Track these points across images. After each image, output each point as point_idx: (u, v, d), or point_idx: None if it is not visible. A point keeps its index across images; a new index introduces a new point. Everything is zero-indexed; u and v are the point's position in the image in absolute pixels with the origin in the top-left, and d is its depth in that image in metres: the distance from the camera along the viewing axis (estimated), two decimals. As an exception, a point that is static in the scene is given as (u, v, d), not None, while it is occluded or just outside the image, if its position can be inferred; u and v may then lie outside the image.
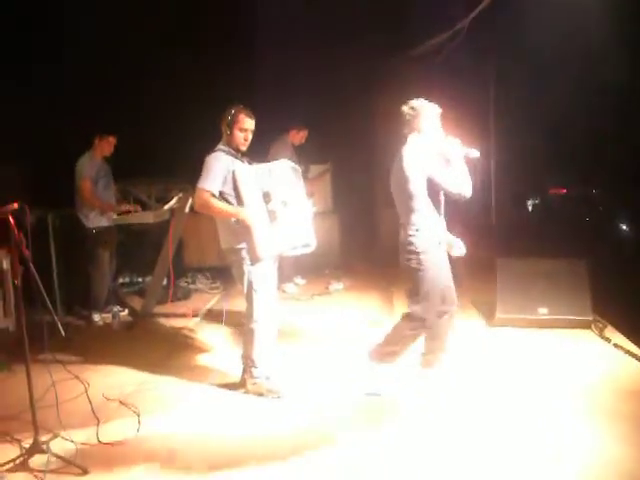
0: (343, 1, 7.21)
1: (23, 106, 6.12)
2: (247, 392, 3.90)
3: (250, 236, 3.65)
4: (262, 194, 3.74)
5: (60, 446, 3.22)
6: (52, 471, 3.01)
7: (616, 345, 4.50)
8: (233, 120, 3.81)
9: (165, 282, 5.95)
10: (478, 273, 6.22)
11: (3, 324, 5.26)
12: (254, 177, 3.76)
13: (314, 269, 6.96)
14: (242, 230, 3.67)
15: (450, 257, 3.79)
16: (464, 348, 4.50)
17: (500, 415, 3.49)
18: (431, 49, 7.28)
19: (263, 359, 3.86)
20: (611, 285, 5.25)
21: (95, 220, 5.51)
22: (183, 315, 5.74)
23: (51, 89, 6.63)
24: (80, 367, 4.24)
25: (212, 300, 6.36)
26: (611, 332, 4.77)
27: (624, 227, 7.18)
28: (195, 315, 5.73)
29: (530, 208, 8.88)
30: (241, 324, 4.06)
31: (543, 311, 4.90)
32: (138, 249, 6.49)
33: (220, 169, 3.73)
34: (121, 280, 6.63)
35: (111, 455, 3.19)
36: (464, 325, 5.01)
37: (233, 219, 3.71)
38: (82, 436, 3.35)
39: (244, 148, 3.87)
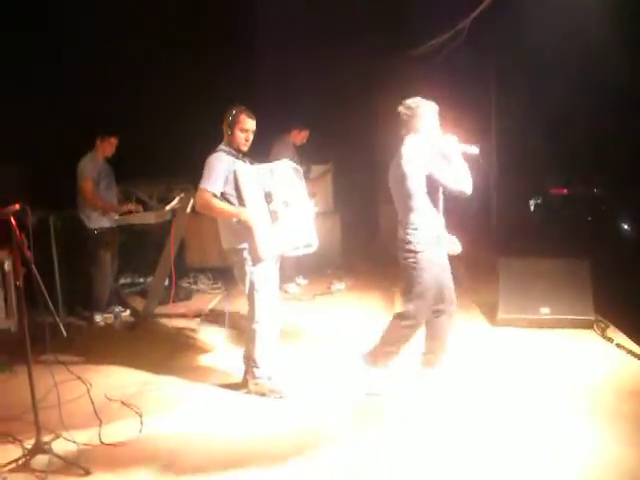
0: (343, 1, 7.21)
1: (23, 106, 6.11)
2: (249, 392, 3.90)
3: (252, 236, 3.65)
4: (264, 194, 3.75)
5: (62, 447, 3.23)
6: (54, 472, 3.02)
7: (618, 345, 4.50)
8: (234, 120, 3.81)
9: (167, 283, 5.94)
10: (480, 273, 6.23)
11: (5, 325, 5.26)
12: (255, 177, 3.76)
13: (316, 269, 6.96)
14: (244, 230, 3.67)
15: (450, 257, 3.79)
16: (466, 348, 4.50)
17: (501, 415, 3.49)
18: (431, 49, 7.28)
19: (265, 359, 3.86)
20: (613, 285, 5.25)
21: (97, 221, 5.51)
22: (185, 316, 5.74)
23: (51, 89, 6.63)
24: (82, 368, 4.24)
25: (214, 301, 6.36)
26: (613, 332, 4.77)
27: (626, 227, 7.17)
28: (197, 316, 5.74)
29: (532, 208, 8.87)
30: (243, 324, 4.06)
31: (545, 311, 4.91)
32: (140, 250, 6.48)
33: (222, 169, 3.73)
34: (123, 281, 6.62)
35: (113, 456, 3.19)
36: (466, 325, 5.01)
37: (235, 219, 3.71)
38: (84, 437, 3.35)
39: (245, 148, 3.87)
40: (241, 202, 3.72)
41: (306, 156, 6.44)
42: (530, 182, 8.78)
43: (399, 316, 3.71)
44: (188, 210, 5.30)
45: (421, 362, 3.93)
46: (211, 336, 5.12)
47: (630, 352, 4.36)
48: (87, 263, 5.60)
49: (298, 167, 4.02)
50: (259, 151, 4.31)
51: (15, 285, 3.14)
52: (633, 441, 3.15)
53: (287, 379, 4.01)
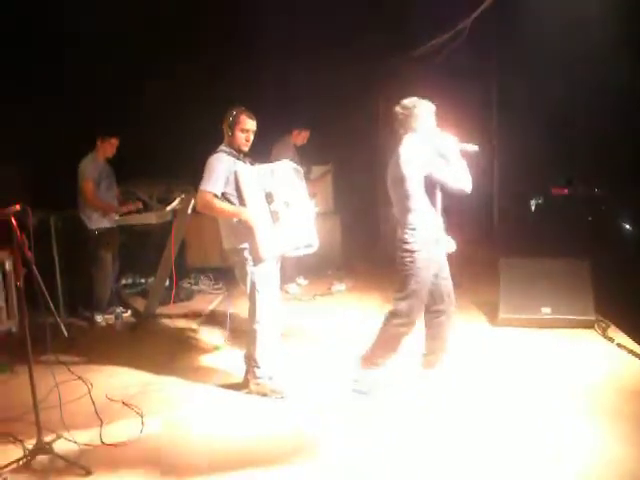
0: (343, 1, 7.21)
1: (23, 106, 6.11)
2: (250, 392, 3.90)
3: (253, 237, 3.66)
4: (264, 195, 3.75)
5: (63, 447, 3.23)
6: (55, 472, 3.02)
7: (619, 345, 4.50)
8: (234, 121, 3.81)
9: (168, 283, 5.95)
10: (481, 273, 6.23)
11: (6, 326, 5.25)
12: (256, 178, 3.76)
13: (316, 270, 6.96)
14: (245, 231, 3.68)
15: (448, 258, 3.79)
16: (467, 348, 4.51)
17: (502, 415, 3.49)
18: (432, 49, 7.28)
19: (266, 359, 3.86)
20: (614, 285, 5.25)
21: (97, 221, 5.52)
22: (186, 316, 5.75)
23: (51, 89, 6.63)
24: (83, 368, 4.24)
25: (215, 301, 6.36)
26: (614, 332, 4.77)
27: (627, 226, 7.17)
28: (198, 316, 5.74)
29: (532, 208, 8.87)
30: (244, 325, 4.05)
31: (546, 311, 4.91)
32: (141, 250, 6.48)
33: (222, 170, 3.73)
34: (124, 281, 6.63)
35: (114, 456, 3.19)
36: (467, 325, 5.02)
37: (235, 219, 3.71)
38: (85, 437, 3.35)
39: (246, 149, 3.87)
40: (242, 202, 3.72)
41: (306, 157, 6.44)
42: (531, 182, 8.78)
43: (391, 315, 3.70)
44: (189, 211, 5.30)
45: (422, 363, 3.93)
46: (212, 336, 5.12)
47: (631, 352, 4.36)
48: (88, 264, 5.61)
49: (299, 168, 4.02)
50: (260, 151, 4.31)
51: (16, 286, 3.13)
52: (634, 441, 3.15)
53: (288, 379, 4.01)
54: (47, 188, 6.02)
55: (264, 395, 3.84)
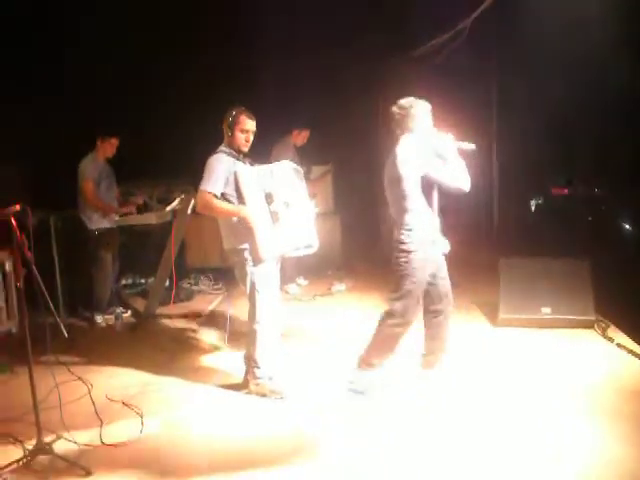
0: (343, 1, 7.21)
1: (23, 106, 6.11)
2: (250, 393, 3.90)
3: (253, 237, 3.66)
4: (264, 195, 3.75)
5: (63, 447, 3.23)
6: (55, 472, 3.02)
7: (619, 345, 4.50)
8: (234, 121, 3.81)
9: (168, 283, 5.95)
10: (480, 273, 6.23)
11: (6, 326, 5.25)
12: (256, 178, 3.77)
13: (316, 270, 6.96)
14: (245, 231, 3.68)
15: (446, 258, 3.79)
16: (467, 348, 4.51)
17: (501, 415, 3.49)
18: (432, 49, 7.28)
19: (266, 360, 3.86)
20: (614, 285, 5.24)
21: (97, 222, 5.52)
22: (186, 316, 5.75)
23: (51, 89, 6.63)
24: (83, 368, 4.25)
25: (215, 301, 6.36)
26: (614, 332, 4.77)
27: (627, 226, 7.17)
28: (198, 316, 5.74)
29: (532, 208, 8.87)
30: (243, 325, 4.06)
31: (546, 311, 4.91)
32: (141, 250, 6.49)
33: (222, 170, 3.73)
34: (124, 281, 6.63)
35: (114, 456, 3.19)
36: (467, 325, 5.03)
37: (235, 218, 3.72)
38: (85, 437, 3.35)
39: (245, 149, 3.87)
40: (241, 203, 3.72)
41: (306, 157, 6.44)
42: (531, 182, 8.78)
43: (387, 315, 3.70)
44: (189, 211, 5.30)
45: (421, 363, 3.93)
46: (212, 337, 5.12)
47: (631, 352, 4.35)
48: (88, 264, 5.61)
49: (299, 168, 4.02)
50: (260, 152, 4.31)
51: (16, 286, 3.13)
52: (634, 441, 3.15)
53: (288, 380, 4.01)
54: (47, 188, 6.03)
55: (264, 395, 3.84)
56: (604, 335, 4.72)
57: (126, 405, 3.78)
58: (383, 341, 3.73)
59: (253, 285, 3.77)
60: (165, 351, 4.79)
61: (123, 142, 5.69)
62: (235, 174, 3.71)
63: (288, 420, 3.55)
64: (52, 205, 5.83)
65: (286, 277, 5.90)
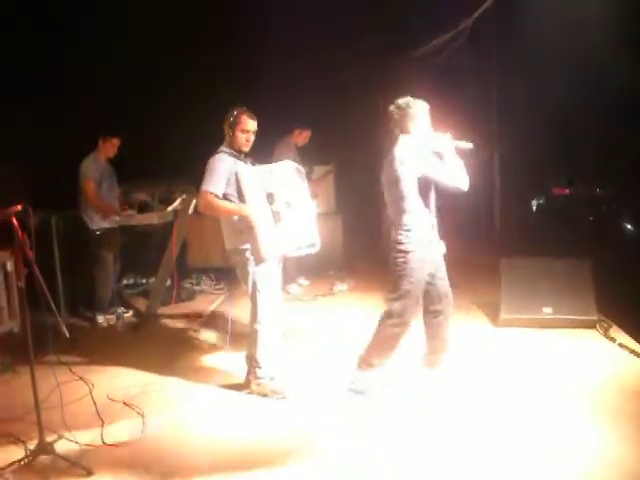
0: (343, 1, 7.21)
1: (23, 106, 6.11)
2: (251, 393, 3.90)
3: (254, 236, 3.65)
4: (266, 195, 3.74)
5: (65, 447, 3.23)
6: (57, 472, 3.02)
7: (621, 345, 4.49)
8: (235, 122, 3.81)
9: (169, 283, 5.95)
10: (482, 274, 6.22)
11: (8, 326, 5.25)
12: (257, 178, 3.76)
13: (318, 270, 6.95)
14: (246, 230, 3.67)
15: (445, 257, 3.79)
16: (469, 348, 4.50)
17: (503, 415, 3.49)
18: (433, 49, 7.28)
19: (267, 360, 3.86)
20: (615, 285, 5.24)
21: (99, 222, 5.52)
22: (187, 316, 5.74)
23: (51, 89, 6.62)
24: (84, 368, 4.24)
25: (216, 301, 6.36)
26: (616, 332, 4.76)
27: (628, 226, 7.18)
28: (199, 316, 5.74)
29: (534, 208, 8.87)
30: (245, 325, 4.06)
31: (547, 311, 4.90)
32: (142, 250, 6.48)
33: (223, 170, 3.73)
34: (125, 281, 6.63)
35: (116, 456, 3.19)
36: (469, 326, 5.02)
37: (236, 217, 3.71)
38: (86, 437, 3.35)
39: (246, 149, 3.87)
40: (243, 203, 3.71)
41: (308, 157, 6.43)
42: (532, 182, 8.78)
43: (386, 315, 3.70)
44: (190, 211, 5.30)
45: (422, 363, 3.92)
46: (213, 337, 5.12)
47: (633, 352, 4.35)
48: (89, 264, 5.61)
49: (300, 168, 4.02)
50: (261, 152, 4.31)
51: (17, 286, 3.13)
52: (636, 441, 3.14)
53: (289, 380, 4.00)
54: (47, 188, 6.03)
55: (265, 395, 3.84)
56: (606, 335, 4.71)
57: (127, 405, 3.78)
58: (383, 341, 3.73)
59: (255, 285, 3.77)
60: (166, 351, 4.79)
61: (123, 142, 5.69)
62: (236, 174, 3.71)
63: (289, 420, 3.54)
64: (52, 205, 5.83)
65: (288, 277, 5.88)
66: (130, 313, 5.83)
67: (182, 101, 7.50)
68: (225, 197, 3.74)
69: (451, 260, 3.84)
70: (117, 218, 5.63)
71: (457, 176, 3.53)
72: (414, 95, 3.71)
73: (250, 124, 3.83)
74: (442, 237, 3.77)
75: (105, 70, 7.16)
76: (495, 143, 8.52)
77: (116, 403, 3.82)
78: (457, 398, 3.71)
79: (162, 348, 4.88)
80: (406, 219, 3.57)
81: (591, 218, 7.75)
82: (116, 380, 4.22)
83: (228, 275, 5.99)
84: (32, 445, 3.16)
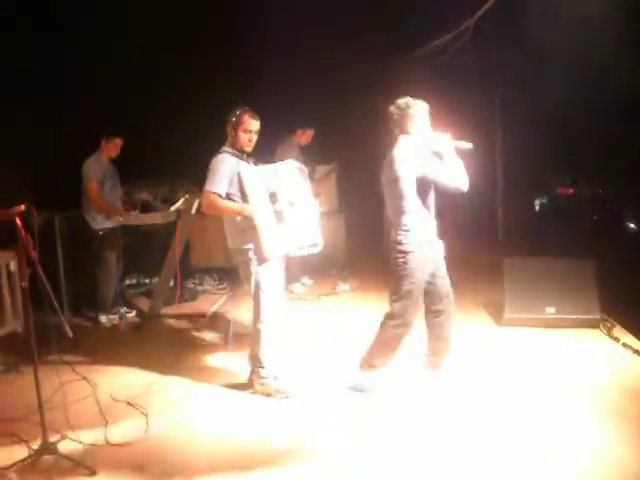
0: (343, 1, 7.21)
1: (23, 106, 6.11)
2: (255, 392, 3.90)
3: (257, 236, 3.65)
4: (268, 195, 3.74)
5: (68, 447, 3.22)
6: (60, 472, 3.02)
7: (624, 345, 4.48)
8: (237, 122, 3.80)
9: (172, 283, 5.94)
10: (485, 273, 6.21)
11: (11, 326, 5.24)
12: (260, 178, 3.76)
13: (321, 269, 6.95)
14: (249, 230, 3.67)
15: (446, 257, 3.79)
16: (472, 348, 4.50)
17: (506, 415, 3.49)
18: (434, 49, 7.28)
19: (270, 359, 3.85)
20: (619, 284, 5.23)
21: (101, 222, 5.51)
22: (190, 316, 5.74)
23: (51, 89, 6.62)
24: (88, 368, 4.25)
25: (219, 301, 6.34)
26: (619, 331, 4.76)
27: (632, 226, 7.18)
28: (202, 316, 5.73)
29: (537, 208, 8.87)
30: (248, 325, 4.05)
31: (551, 311, 4.89)
32: (145, 250, 6.47)
33: (226, 171, 3.73)
34: (128, 281, 6.62)
35: (119, 456, 3.19)
36: (472, 325, 5.02)
37: (239, 217, 3.71)
38: (90, 437, 3.35)
39: (249, 149, 3.87)
40: (246, 203, 3.71)
41: (310, 156, 6.43)
42: (534, 182, 8.78)
43: (388, 316, 3.70)
44: (193, 211, 5.30)
45: (425, 363, 3.92)
46: (216, 337, 5.11)
47: (636, 352, 4.34)
48: (92, 264, 5.60)
49: (303, 167, 4.02)
50: (264, 151, 4.30)
51: (21, 286, 3.12)
52: (638, 442, 3.13)
53: (293, 379, 4.00)
54: (48, 188, 6.03)
55: (269, 395, 3.84)
56: (610, 335, 4.71)
57: (131, 405, 3.78)
58: (385, 342, 3.73)
59: (258, 285, 3.76)
60: (169, 351, 4.78)
61: (124, 142, 5.68)
62: (239, 174, 3.71)
63: (293, 420, 3.54)
64: (54, 205, 5.82)
65: (291, 276, 5.89)
66: (133, 313, 5.83)
67: (182, 101, 7.50)
68: (228, 197, 3.74)
69: (452, 260, 3.84)
70: (120, 218, 5.63)
71: (457, 176, 3.53)
72: (414, 95, 3.71)
73: (252, 124, 3.83)
74: (442, 237, 3.77)
75: (105, 70, 7.16)
76: (497, 143, 8.52)
77: (119, 403, 3.81)
78: (460, 398, 3.71)
79: (165, 348, 4.88)
80: (405, 219, 3.57)
81: (594, 217, 7.75)
82: (119, 380, 4.21)
83: (231, 275, 6.00)
84: (35, 445, 3.16)
